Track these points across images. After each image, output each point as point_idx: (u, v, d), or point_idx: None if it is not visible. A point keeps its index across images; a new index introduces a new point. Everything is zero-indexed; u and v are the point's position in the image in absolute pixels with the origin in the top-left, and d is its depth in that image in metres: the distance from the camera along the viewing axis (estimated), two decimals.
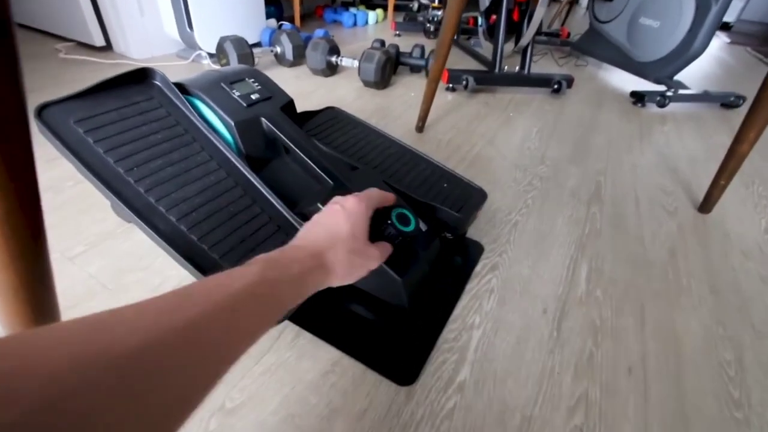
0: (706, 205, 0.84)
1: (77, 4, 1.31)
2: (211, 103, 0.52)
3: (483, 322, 0.54)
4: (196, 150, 0.50)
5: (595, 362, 0.50)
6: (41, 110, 0.42)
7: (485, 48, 1.74)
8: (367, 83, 1.28)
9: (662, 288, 0.64)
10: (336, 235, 0.35)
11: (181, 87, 0.53)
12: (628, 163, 1.02)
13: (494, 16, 1.34)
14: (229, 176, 0.50)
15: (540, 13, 1.23)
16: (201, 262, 0.42)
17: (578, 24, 2.68)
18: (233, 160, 0.51)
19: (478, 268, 0.63)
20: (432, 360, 0.48)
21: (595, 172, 0.95)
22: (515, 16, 1.32)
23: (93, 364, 0.15)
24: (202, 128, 0.51)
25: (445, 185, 0.65)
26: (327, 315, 0.51)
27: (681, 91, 1.46)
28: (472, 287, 0.59)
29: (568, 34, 2.21)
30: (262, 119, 0.55)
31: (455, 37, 1.85)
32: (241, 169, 0.51)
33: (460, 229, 0.62)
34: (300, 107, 0.68)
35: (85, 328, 0.17)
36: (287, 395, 0.43)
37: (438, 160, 0.70)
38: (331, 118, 0.72)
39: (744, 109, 1.48)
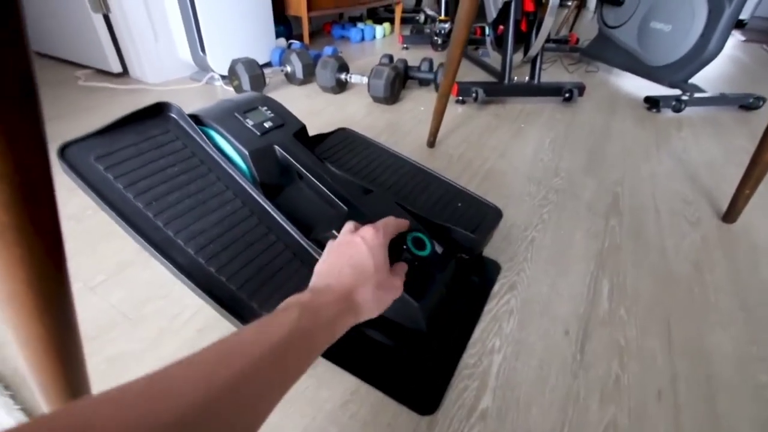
0: (730, 215, 0.81)
1: (95, 32, 1.35)
2: (226, 134, 0.53)
3: (503, 346, 0.53)
4: (212, 181, 0.50)
5: (621, 386, 0.49)
6: (63, 150, 0.43)
7: (493, 58, 1.74)
8: (376, 99, 1.29)
9: (689, 304, 0.61)
10: (362, 272, 0.35)
11: (196, 118, 0.54)
12: (645, 171, 1.00)
13: (502, 27, 1.34)
14: (245, 205, 0.50)
15: (549, 22, 1.23)
16: (219, 294, 0.42)
17: (587, 29, 2.66)
18: (248, 188, 0.51)
19: (496, 288, 0.62)
20: (453, 386, 0.47)
21: (611, 183, 0.94)
22: (523, 27, 1.32)
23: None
24: (217, 159, 0.52)
25: (459, 205, 0.64)
26: (344, 341, 0.51)
27: (697, 95, 1.43)
28: (491, 308, 0.58)
29: (577, 40, 2.19)
30: (276, 147, 0.55)
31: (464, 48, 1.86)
32: (257, 197, 0.51)
33: (476, 250, 0.61)
34: (311, 125, 0.68)
35: (138, 394, 0.18)
36: (307, 427, 0.43)
37: (450, 178, 0.70)
38: (342, 139, 0.72)
39: (764, 111, 1.44)
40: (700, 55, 1.42)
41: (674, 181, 0.97)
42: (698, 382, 0.50)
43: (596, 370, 0.50)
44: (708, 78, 1.77)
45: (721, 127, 1.30)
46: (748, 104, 1.47)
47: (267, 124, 0.57)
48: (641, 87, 1.64)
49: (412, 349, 0.51)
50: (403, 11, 2.62)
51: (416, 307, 0.49)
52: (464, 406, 0.45)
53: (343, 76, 1.35)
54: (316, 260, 0.48)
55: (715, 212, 0.85)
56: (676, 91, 1.49)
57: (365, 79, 1.30)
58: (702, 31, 1.40)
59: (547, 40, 2.12)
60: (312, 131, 0.70)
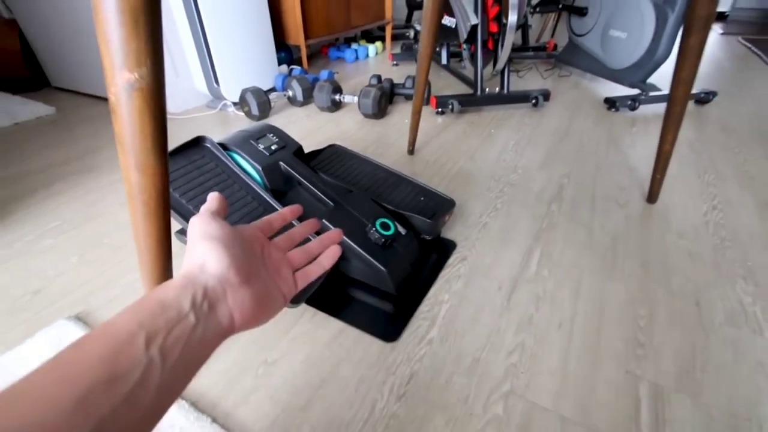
0: (651, 197, 0.99)
1: None
2: (244, 155, 0.74)
3: (450, 299, 0.72)
4: (236, 189, 0.71)
5: (533, 321, 0.68)
6: None
7: (471, 71, 1.94)
8: (366, 115, 1.49)
9: (599, 266, 0.80)
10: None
11: (223, 145, 0.76)
12: (592, 164, 1.19)
13: (473, 46, 1.54)
14: (260, 205, 0.71)
15: (510, 40, 1.42)
16: None
17: (566, 35, 2.84)
18: (262, 193, 0.72)
19: (450, 260, 0.81)
20: (410, 325, 0.67)
21: (560, 176, 1.12)
22: (490, 45, 1.52)
23: None
24: (239, 173, 0.73)
25: (422, 199, 0.84)
26: (335, 298, 0.71)
27: (652, 93, 1.61)
28: (445, 274, 0.78)
29: (555, 46, 2.37)
30: (280, 163, 0.76)
31: (447, 63, 2.06)
32: (268, 199, 0.72)
33: (433, 231, 0.81)
34: (311, 141, 0.89)
35: None
36: (309, 352, 0.63)
37: (419, 180, 0.90)
38: (332, 153, 0.93)
39: (716, 104, 1.61)
40: (653, 57, 1.60)
41: (615, 172, 1.15)
42: (592, 316, 0.69)
43: (516, 312, 0.70)
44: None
45: None
46: (700, 99, 1.64)
47: (273, 147, 0.78)
48: (606, 89, 1.82)
49: (383, 303, 0.70)
50: (395, 27, 2.84)
51: (384, 272, 0.69)
52: (417, 336, 0.65)
53: (337, 97, 1.57)
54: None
55: (643, 196, 1.03)
56: (636, 91, 1.66)
57: (356, 99, 1.51)
58: (652, 36, 1.58)
59: (526, 48, 2.33)
60: (311, 146, 0.91)
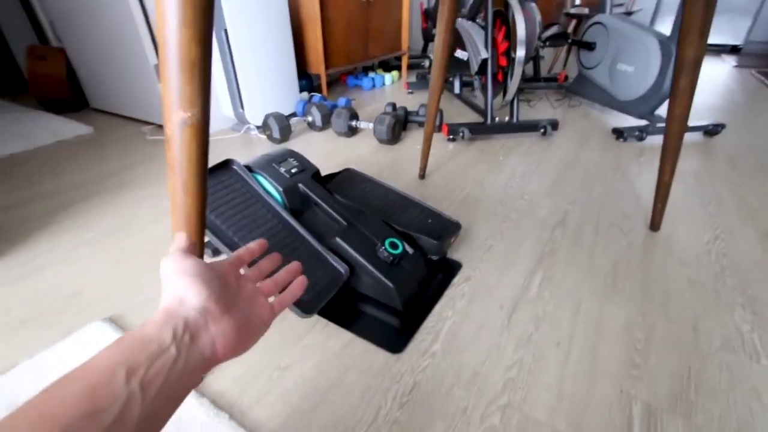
0: (654, 225, 1.02)
1: (158, 95, 1.73)
2: (268, 177, 0.81)
3: (454, 315, 0.76)
4: (259, 208, 0.78)
5: (532, 340, 0.71)
6: None
7: (481, 100, 2.02)
8: (381, 141, 1.57)
9: (600, 289, 0.83)
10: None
11: (248, 168, 0.83)
12: (597, 192, 1.23)
13: (484, 77, 1.62)
14: (280, 223, 0.77)
15: (518, 73, 1.49)
16: None
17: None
18: (281, 212, 0.79)
19: (456, 279, 0.86)
20: (415, 339, 0.71)
21: (565, 203, 1.17)
22: (500, 78, 1.60)
23: None
24: (262, 193, 0.80)
25: (429, 221, 0.90)
26: (345, 311, 0.76)
27: (659, 125, 1.65)
28: (449, 292, 0.82)
29: (566, 77, 2.45)
30: (299, 185, 0.83)
31: (459, 92, 2.15)
32: (287, 218, 0.78)
33: (439, 252, 0.86)
34: (328, 164, 0.96)
35: None
36: (319, 359, 0.67)
37: (428, 203, 0.95)
38: (347, 176, 0.99)
39: (723, 136, 1.64)
40: (659, 90, 1.65)
41: (621, 200, 1.18)
42: (590, 337, 0.72)
43: (516, 331, 0.73)
44: (694, 106, 1.97)
45: None
46: (709, 130, 1.68)
47: (293, 170, 0.85)
48: (615, 119, 1.87)
49: (391, 317, 0.75)
50: (411, 57, 2.97)
51: (392, 288, 0.74)
52: (421, 349, 0.69)
53: (353, 123, 1.65)
54: (325, 257, 0.74)
55: (646, 224, 1.06)
56: (645, 122, 1.71)
57: (371, 125, 1.59)
58: (658, 71, 1.63)
59: (538, 79, 2.41)
60: (328, 169, 0.98)
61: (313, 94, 2.08)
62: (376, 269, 0.73)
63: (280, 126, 1.56)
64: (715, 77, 2.77)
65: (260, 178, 0.83)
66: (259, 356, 0.68)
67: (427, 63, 2.97)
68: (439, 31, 0.99)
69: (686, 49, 0.72)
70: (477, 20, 1.76)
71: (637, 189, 1.25)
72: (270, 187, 0.82)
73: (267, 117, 1.59)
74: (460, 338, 0.71)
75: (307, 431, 0.57)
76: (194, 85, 0.37)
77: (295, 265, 0.44)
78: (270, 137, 1.63)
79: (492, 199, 1.19)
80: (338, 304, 0.75)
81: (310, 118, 1.74)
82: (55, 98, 2.05)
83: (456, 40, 1.77)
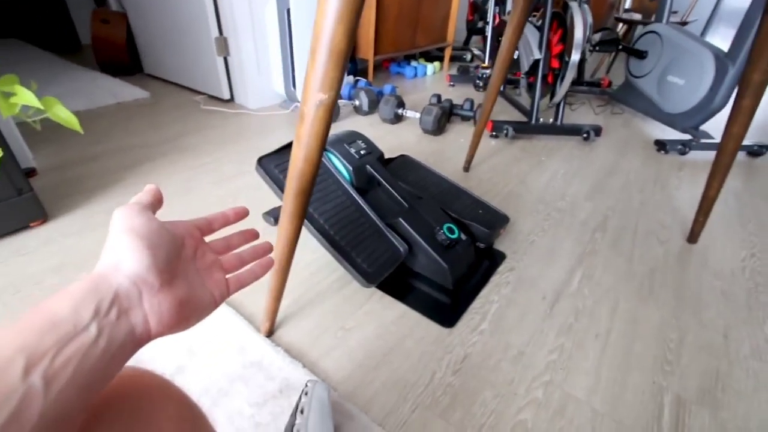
0: (692, 237, 1.06)
1: (215, 68, 1.80)
2: (339, 156, 0.88)
3: (499, 300, 0.83)
4: (330, 183, 0.85)
5: (572, 330, 0.77)
6: (260, 161, 0.80)
7: (525, 99, 2.04)
8: (425, 131, 1.62)
9: (637, 293, 0.88)
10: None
11: None
12: (636, 201, 1.26)
13: (533, 77, 1.65)
14: (348, 199, 0.84)
15: (570, 77, 1.52)
16: (336, 247, 0.76)
17: (622, 73, 2.88)
18: (350, 189, 0.86)
19: (500, 268, 0.92)
20: (464, 318, 0.78)
21: (605, 208, 1.21)
22: (549, 79, 1.62)
23: None
24: (333, 171, 0.87)
25: (480, 211, 0.96)
26: (399, 286, 0.83)
27: (703, 140, 1.65)
28: (495, 279, 0.88)
29: (609, 83, 2.43)
30: (367, 166, 0.90)
31: (503, 89, 2.17)
32: (354, 195, 0.85)
33: (488, 241, 0.92)
34: None
35: None
36: (378, 325, 0.75)
37: (477, 194, 1.01)
38: (402, 162, 1.05)
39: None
40: (708, 106, 1.65)
41: (659, 210, 1.22)
42: (626, 333, 0.78)
43: (557, 320, 0.79)
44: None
45: None
46: (753, 151, 1.68)
47: (362, 151, 0.91)
48: (657, 131, 1.87)
49: (441, 294, 0.82)
50: (453, 48, 2.98)
51: (446, 268, 0.80)
52: (470, 326, 0.76)
53: (400, 111, 1.71)
54: (387, 235, 0.81)
55: (683, 235, 1.10)
56: (688, 137, 1.72)
57: (417, 115, 1.64)
58: (710, 87, 1.63)
59: (581, 83, 2.41)
60: None
61: (358, 78, 2.12)
62: (433, 250, 0.80)
63: None
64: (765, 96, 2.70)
65: (332, 156, 0.90)
66: (323, 317, 0.76)
67: (469, 56, 2.98)
68: (508, 33, 1.03)
69: (754, 72, 0.75)
70: (531, 20, 1.78)
71: (676, 202, 1.28)
72: (340, 165, 0.89)
73: None
74: (505, 320, 0.78)
75: (371, 384, 0.64)
76: (338, 71, 0.44)
77: (266, 244, 0.39)
78: None
79: (533, 196, 1.24)
80: (393, 279, 0.83)
81: (357, 102, 1.79)
82: (113, 61, 2.15)
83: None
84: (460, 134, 1.68)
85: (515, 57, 1.75)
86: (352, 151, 0.90)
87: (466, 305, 0.80)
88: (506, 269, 0.92)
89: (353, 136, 0.95)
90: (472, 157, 1.34)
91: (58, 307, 0.22)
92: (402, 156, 1.08)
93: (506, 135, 1.59)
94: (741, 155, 1.68)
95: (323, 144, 0.49)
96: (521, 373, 0.68)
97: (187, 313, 0.28)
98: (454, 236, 0.83)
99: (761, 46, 0.74)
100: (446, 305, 0.80)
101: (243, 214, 0.38)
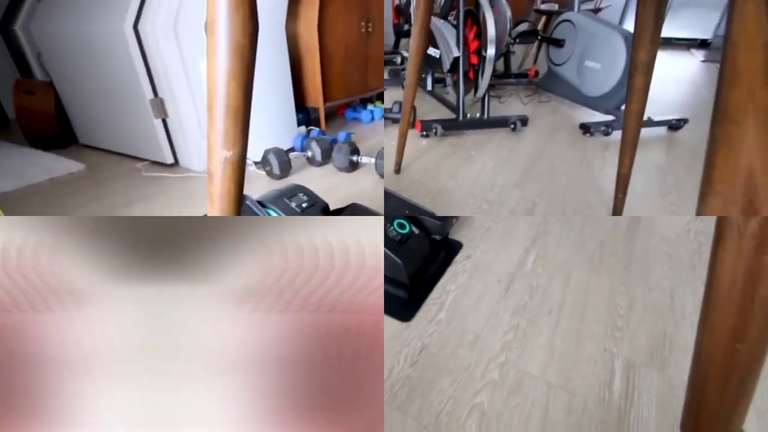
0: (616, 210, 1.10)
1: (154, 132, 1.60)
2: (279, 211, 0.84)
3: (456, 288, 0.82)
4: None
5: (526, 307, 0.78)
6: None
7: (453, 97, 2.07)
8: (382, 176, 1.49)
9: (588, 264, 0.91)
10: None
11: (260, 203, 0.84)
12: (562, 183, 1.30)
13: (456, 75, 1.68)
14: None
15: (489, 71, 1.56)
16: None
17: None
18: None
19: (457, 257, 0.92)
20: (421, 309, 0.77)
21: (533, 194, 1.22)
22: (471, 75, 1.67)
23: None
24: None
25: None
26: None
27: None
28: (452, 269, 0.88)
29: (536, 73, 2.53)
30: None
31: (431, 89, 2.18)
32: None
33: (442, 232, 0.91)
34: (328, 199, 0.95)
35: None
36: None
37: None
38: (354, 210, 0.98)
39: (686, 130, 1.78)
40: (625, 87, 1.77)
41: (585, 190, 1.26)
42: (578, 305, 0.80)
43: (512, 300, 0.80)
44: (659, 102, 2.02)
45: (641, 147, 1.63)
46: (672, 125, 1.82)
47: (304, 205, 0.87)
48: (583, 115, 1.99)
49: (397, 290, 0.80)
50: (384, 53, 2.95)
51: (400, 263, 0.79)
52: (427, 317, 0.75)
53: (355, 158, 1.62)
54: None
55: (608, 213, 1.14)
56: (611, 118, 1.84)
57: (373, 160, 1.56)
58: (623, 68, 1.76)
59: (508, 75, 2.50)
60: (331, 206, 0.98)
61: (311, 128, 1.99)
62: (386, 246, 0.78)
63: (280, 161, 1.53)
64: (682, 72, 2.88)
65: (272, 212, 0.85)
66: None
67: (399, 59, 3.00)
68: (414, 33, 1.03)
69: (639, 52, 0.80)
70: (449, 19, 1.83)
71: (600, 180, 1.33)
72: None
73: (266, 152, 1.55)
74: (462, 308, 0.77)
75: None
76: (237, 128, 0.42)
77: None
78: (270, 173, 1.57)
79: (464, 190, 1.23)
80: None
81: (309, 153, 1.69)
82: (42, 134, 1.90)
83: (429, 39, 1.82)
84: (391, 138, 1.63)
85: (438, 57, 1.79)
86: (293, 205, 0.86)
87: (423, 298, 0.79)
88: (463, 257, 0.92)
89: (295, 190, 0.91)
90: (401, 160, 1.33)
91: None
92: (353, 204, 1.04)
93: (435, 133, 1.61)
94: (662, 130, 1.81)
95: (237, 204, 0.47)
96: (477, 357, 0.67)
97: None
98: (405, 231, 0.82)
99: (641, 26, 0.78)
100: (403, 300, 0.78)
101: None
